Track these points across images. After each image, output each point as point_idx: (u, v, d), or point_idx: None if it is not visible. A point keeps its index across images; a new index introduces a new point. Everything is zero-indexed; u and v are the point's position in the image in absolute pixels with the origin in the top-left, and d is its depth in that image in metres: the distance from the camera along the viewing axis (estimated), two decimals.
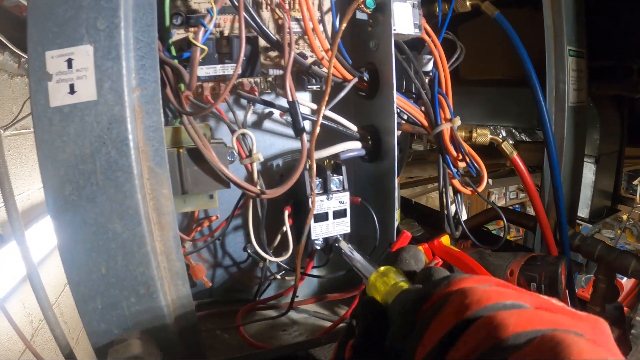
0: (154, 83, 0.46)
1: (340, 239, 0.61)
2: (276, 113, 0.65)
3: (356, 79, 0.60)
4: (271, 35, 0.52)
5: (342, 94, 0.57)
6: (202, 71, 0.53)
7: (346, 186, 0.60)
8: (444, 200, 0.69)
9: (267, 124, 0.66)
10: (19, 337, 0.79)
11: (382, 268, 0.39)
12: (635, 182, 3.17)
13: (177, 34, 0.53)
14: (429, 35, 0.68)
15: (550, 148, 0.75)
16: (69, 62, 0.42)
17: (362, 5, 0.58)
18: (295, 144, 0.67)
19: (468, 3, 0.73)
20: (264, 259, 0.60)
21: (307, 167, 0.57)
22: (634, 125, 1.23)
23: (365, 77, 0.61)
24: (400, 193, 1.03)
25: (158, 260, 0.48)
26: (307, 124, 0.65)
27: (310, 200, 0.56)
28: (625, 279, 0.91)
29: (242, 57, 0.47)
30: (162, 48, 0.49)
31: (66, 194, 0.44)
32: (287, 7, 0.52)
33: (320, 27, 0.55)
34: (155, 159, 0.47)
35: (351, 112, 0.68)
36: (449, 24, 0.71)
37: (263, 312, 0.67)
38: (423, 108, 0.68)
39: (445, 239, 0.80)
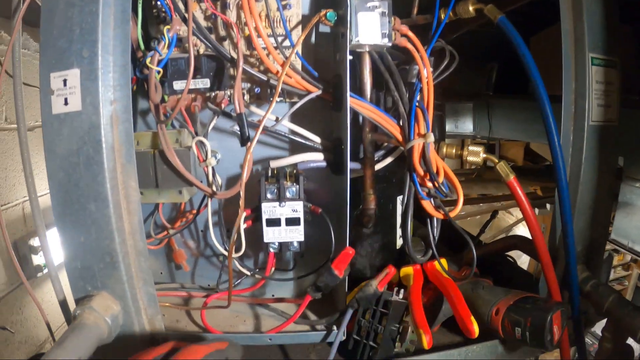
0: (127, 97, 0.67)
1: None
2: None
3: (319, 92, 0.71)
4: (225, 53, 0.68)
5: (297, 105, 0.70)
6: (178, 85, 0.72)
7: (301, 195, 0.72)
8: (407, 222, 0.74)
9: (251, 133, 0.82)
10: None
11: None
12: None
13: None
14: (413, 44, 0.74)
15: (559, 173, 0.73)
16: (64, 82, 0.66)
17: (324, 19, 0.69)
18: (272, 152, 0.82)
19: (471, 8, 0.76)
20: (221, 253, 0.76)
21: (264, 173, 0.71)
22: None
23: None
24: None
25: (124, 237, 0.69)
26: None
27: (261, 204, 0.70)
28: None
29: (191, 73, 0.64)
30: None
31: (60, 178, 0.67)
32: (236, 26, 0.67)
33: (273, 42, 0.68)
34: (126, 157, 0.68)
35: (323, 125, 0.79)
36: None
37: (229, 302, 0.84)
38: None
39: (442, 263, 0.85)
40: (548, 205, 1.82)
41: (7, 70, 0.78)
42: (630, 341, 0.78)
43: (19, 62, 0.75)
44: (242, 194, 0.64)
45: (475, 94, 1.54)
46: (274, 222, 0.73)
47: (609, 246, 1.07)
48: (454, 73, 0.80)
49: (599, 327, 0.95)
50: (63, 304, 0.75)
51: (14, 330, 1.52)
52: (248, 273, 0.79)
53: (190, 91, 0.73)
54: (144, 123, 0.83)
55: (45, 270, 0.72)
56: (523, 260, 0.84)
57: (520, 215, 2.90)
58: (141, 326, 0.72)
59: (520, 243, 0.96)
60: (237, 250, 0.75)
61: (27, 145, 0.74)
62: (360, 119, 0.78)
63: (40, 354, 0.65)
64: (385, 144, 0.84)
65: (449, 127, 1.51)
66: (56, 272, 0.75)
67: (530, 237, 0.82)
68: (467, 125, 1.48)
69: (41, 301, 1.67)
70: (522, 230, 3.08)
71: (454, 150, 0.78)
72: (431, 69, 0.77)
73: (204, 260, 0.90)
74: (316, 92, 0.72)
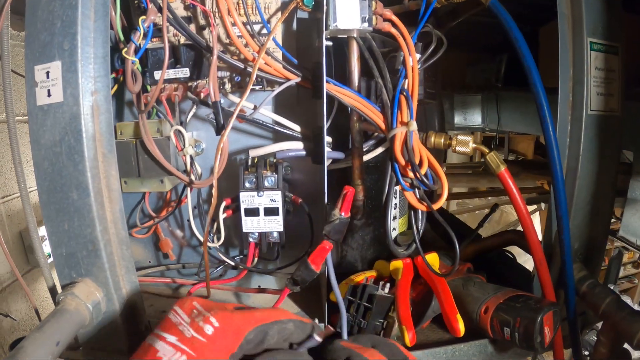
0: (106, 88, 0.70)
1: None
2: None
3: (298, 79, 0.72)
4: (201, 42, 0.69)
5: (275, 92, 0.71)
6: (158, 75, 0.74)
7: (280, 185, 0.73)
8: (387, 213, 0.74)
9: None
10: None
11: None
12: None
13: (151, 42, 0.75)
14: (398, 29, 0.73)
15: (553, 164, 0.72)
16: (47, 74, 0.69)
17: (301, 4, 0.69)
18: (258, 141, 0.83)
19: None
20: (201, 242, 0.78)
21: (244, 162, 0.72)
22: None
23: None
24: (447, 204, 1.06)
25: (105, 225, 0.71)
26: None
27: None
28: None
29: (166, 62, 0.66)
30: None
31: (45, 167, 0.71)
32: (211, 15, 0.68)
33: (249, 30, 0.69)
34: (107, 146, 0.71)
35: (308, 115, 0.80)
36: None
37: (216, 292, 0.86)
38: None
39: (433, 258, 0.84)
40: None
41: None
42: (626, 346, 0.76)
43: (7, 52, 0.78)
44: (215, 183, 0.66)
45: (485, 86, 1.51)
46: (252, 212, 0.74)
47: (618, 243, 1.03)
48: (463, 65, 0.80)
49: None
50: (52, 291, 0.79)
51: (19, 317, 1.60)
52: (231, 263, 0.81)
53: (171, 81, 0.75)
54: (131, 114, 0.86)
55: (51, 259, 0.75)
56: (528, 257, 0.83)
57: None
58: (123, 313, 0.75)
59: (517, 238, 0.94)
60: (218, 239, 0.77)
61: (15, 135, 0.78)
62: (350, 108, 0.78)
63: (21, 337, 0.68)
64: (376, 133, 0.84)
65: (457, 119, 1.49)
66: (45, 259, 0.79)
67: None
68: (475, 118, 1.46)
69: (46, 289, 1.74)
70: None
71: (442, 140, 0.77)
72: (418, 55, 0.76)
73: (190, 250, 0.93)
74: (295, 79, 0.72)
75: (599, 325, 0.87)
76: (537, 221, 2.80)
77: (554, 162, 0.74)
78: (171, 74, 0.75)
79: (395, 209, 0.90)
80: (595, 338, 0.84)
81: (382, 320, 0.78)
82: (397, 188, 0.92)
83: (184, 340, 0.46)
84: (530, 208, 2.64)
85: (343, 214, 0.68)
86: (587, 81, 0.76)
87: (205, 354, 0.46)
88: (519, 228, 0.81)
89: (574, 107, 0.78)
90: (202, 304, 0.51)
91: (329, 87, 0.70)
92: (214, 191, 0.67)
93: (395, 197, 0.89)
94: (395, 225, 0.93)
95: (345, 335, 0.71)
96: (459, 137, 0.78)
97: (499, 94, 1.43)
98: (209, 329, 0.47)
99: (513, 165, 1.60)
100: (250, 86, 0.67)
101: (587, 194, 0.81)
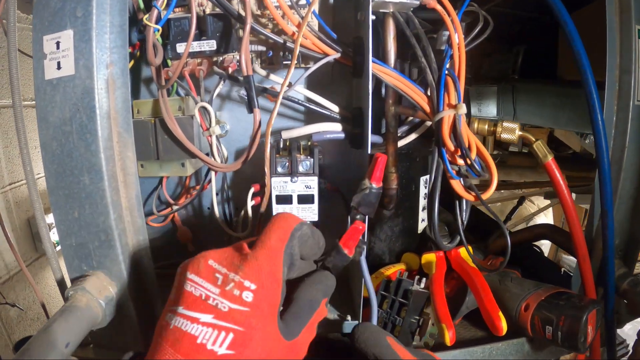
0: (124, 60, 0.60)
1: None
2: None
3: (337, 54, 0.62)
4: (232, 9, 0.59)
5: (313, 68, 0.62)
6: (181, 48, 0.64)
7: (316, 170, 0.64)
8: (434, 202, 0.65)
9: (261, 101, 0.74)
10: None
11: None
12: None
13: (173, 13, 0.65)
14: (443, 5, 0.64)
15: (601, 157, 0.64)
16: (57, 44, 0.59)
17: None
18: (288, 123, 0.73)
19: None
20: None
21: (275, 145, 0.62)
22: None
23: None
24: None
25: (120, 213, 0.62)
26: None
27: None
28: None
29: (192, 32, 0.56)
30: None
31: (53, 148, 0.61)
32: None
33: (287, 1, 0.59)
34: (123, 125, 0.61)
35: (344, 95, 0.70)
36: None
37: None
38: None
39: (464, 251, 0.75)
40: (574, 195, 1.70)
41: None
42: None
43: (14, 28, 0.68)
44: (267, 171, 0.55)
45: (501, 77, 1.42)
46: (284, 200, 0.65)
47: None
48: (480, 56, 0.71)
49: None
50: (61, 283, 0.69)
51: (26, 306, 1.50)
52: None
53: (195, 55, 0.65)
54: (149, 93, 0.76)
55: (59, 248, 0.67)
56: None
57: (542, 204, 2.76)
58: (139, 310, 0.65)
59: (550, 233, 0.87)
60: (244, 229, 0.67)
61: (21, 114, 0.68)
62: (383, 90, 0.69)
63: (27, 337, 0.60)
64: (410, 118, 0.74)
65: (472, 110, 1.40)
66: (53, 249, 0.69)
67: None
68: (490, 109, 1.37)
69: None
70: (543, 219, 2.95)
71: (486, 127, 0.69)
72: (463, 35, 0.67)
73: (211, 240, 0.83)
74: (334, 54, 0.63)
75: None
76: (550, 217, 2.73)
77: (601, 151, 0.67)
78: (196, 46, 0.65)
79: (425, 199, 0.81)
80: None
81: (417, 317, 0.70)
82: (426, 177, 0.83)
83: (223, 316, 0.37)
84: (544, 203, 2.56)
85: (374, 183, 0.58)
86: (634, 70, 0.69)
87: (254, 325, 0.38)
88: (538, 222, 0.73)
89: (620, 96, 0.71)
90: (220, 261, 0.41)
91: (372, 65, 0.60)
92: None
93: (426, 187, 0.81)
94: (424, 217, 0.84)
95: None
96: (505, 124, 0.69)
97: (515, 85, 1.35)
98: (248, 296, 0.38)
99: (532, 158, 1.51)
100: (294, 63, 0.58)
101: (630, 187, 0.75)
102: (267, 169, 0.59)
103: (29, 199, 1.69)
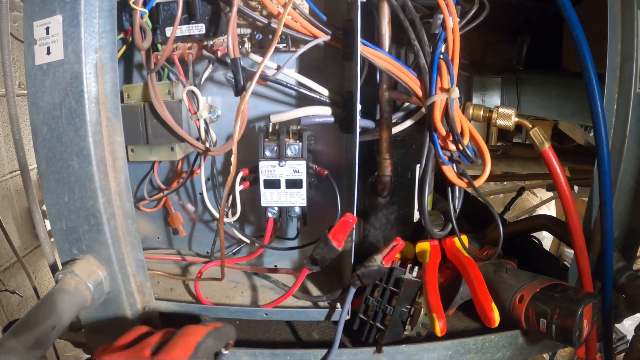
0: (112, 44, 0.60)
1: None
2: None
3: (327, 37, 0.62)
4: None
5: (302, 50, 0.61)
6: (170, 32, 0.63)
7: (304, 154, 0.63)
8: (424, 190, 0.63)
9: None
10: None
11: None
12: None
13: None
14: None
15: (601, 145, 0.62)
16: (47, 30, 0.59)
17: None
18: (279, 107, 0.72)
19: None
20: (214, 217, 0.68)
21: (264, 129, 0.62)
22: None
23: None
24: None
25: (109, 197, 0.62)
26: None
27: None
28: None
29: (179, 15, 0.55)
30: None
31: (44, 133, 0.61)
32: None
33: None
34: (112, 110, 0.61)
35: (335, 80, 0.69)
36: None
37: (229, 271, 0.76)
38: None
39: (462, 240, 0.74)
40: (576, 188, 1.67)
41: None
42: None
43: (6, 14, 0.68)
44: (234, 148, 0.55)
45: (505, 68, 1.40)
46: (272, 184, 0.64)
47: None
48: (484, 46, 0.69)
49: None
50: (53, 268, 0.70)
51: (27, 293, 1.52)
52: (247, 240, 0.71)
53: (185, 39, 0.64)
54: (141, 77, 0.76)
55: None
56: (545, 244, 0.75)
57: (544, 197, 2.70)
58: (129, 294, 0.66)
59: (548, 224, 0.85)
60: (233, 214, 0.67)
61: (14, 100, 0.68)
62: (378, 75, 0.68)
63: (16, 319, 0.61)
64: (406, 105, 0.73)
65: (475, 101, 1.37)
66: (46, 234, 0.70)
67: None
68: (494, 100, 1.34)
69: None
70: (546, 212, 2.90)
71: (481, 112, 0.67)
72: (457, 19, 0.66)
73: (202, 225, 0.84)
74: (323, 37, 0.62)
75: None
76: (552, 209, 2.68)
77: (600, 140, 0.65)
78: (185, 30, 0.64)
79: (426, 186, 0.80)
80: None
81: (409, 307, 0.69)
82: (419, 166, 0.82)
83: None
84: (547, 195, 2.52)
85: (384, 263, 0.65)
86: (636, 57, 0.67)
87: None
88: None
89: (621, 84, 0.69)
90: None
91: (362, 48, 0.59)
92: (233, 158, 0.56)
93: None
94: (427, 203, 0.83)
95: None
96: (500, 109, 0.68)
97: (519, 76, 1.32)
98: None
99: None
100: (275, 43, 0.56)
101: (630, 179, 0.72)
102: (233, 159, 0.58)
103: (23, 186, 1.72)
